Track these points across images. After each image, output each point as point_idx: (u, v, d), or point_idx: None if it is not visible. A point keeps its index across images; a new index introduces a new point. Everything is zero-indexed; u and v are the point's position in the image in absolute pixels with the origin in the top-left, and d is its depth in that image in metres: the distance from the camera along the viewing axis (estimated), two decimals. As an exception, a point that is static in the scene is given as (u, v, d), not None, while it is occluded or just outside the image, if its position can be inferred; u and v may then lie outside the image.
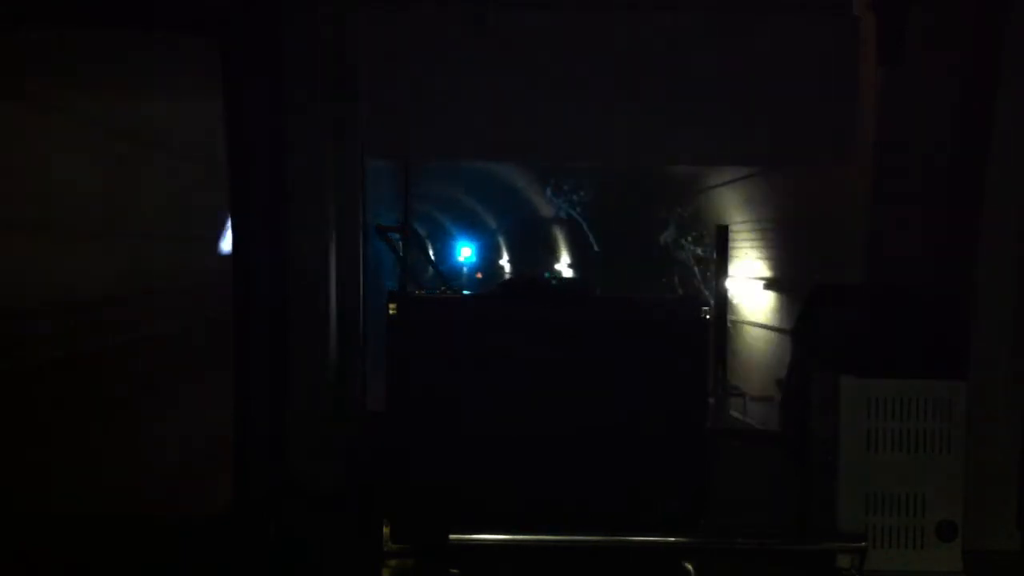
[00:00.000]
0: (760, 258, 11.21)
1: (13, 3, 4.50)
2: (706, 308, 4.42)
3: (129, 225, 8.21)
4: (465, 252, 25.20)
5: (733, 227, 11.90)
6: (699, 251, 14.87)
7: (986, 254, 4.35)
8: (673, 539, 4.08)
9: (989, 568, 4.23)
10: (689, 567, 4.15)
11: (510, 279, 5.01)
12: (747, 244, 11.57)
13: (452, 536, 3.96)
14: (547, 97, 5.18)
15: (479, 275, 24.81)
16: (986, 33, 4.38)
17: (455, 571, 3.99)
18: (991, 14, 4.36)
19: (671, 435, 4.25)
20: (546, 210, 20.46)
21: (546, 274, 21.04)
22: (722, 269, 7.83)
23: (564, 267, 21.10)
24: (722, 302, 7.51)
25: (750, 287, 11.32)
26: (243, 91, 4.46)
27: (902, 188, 4.93)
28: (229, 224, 4.51)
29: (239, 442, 4.47)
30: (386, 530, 4.17)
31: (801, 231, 10.01)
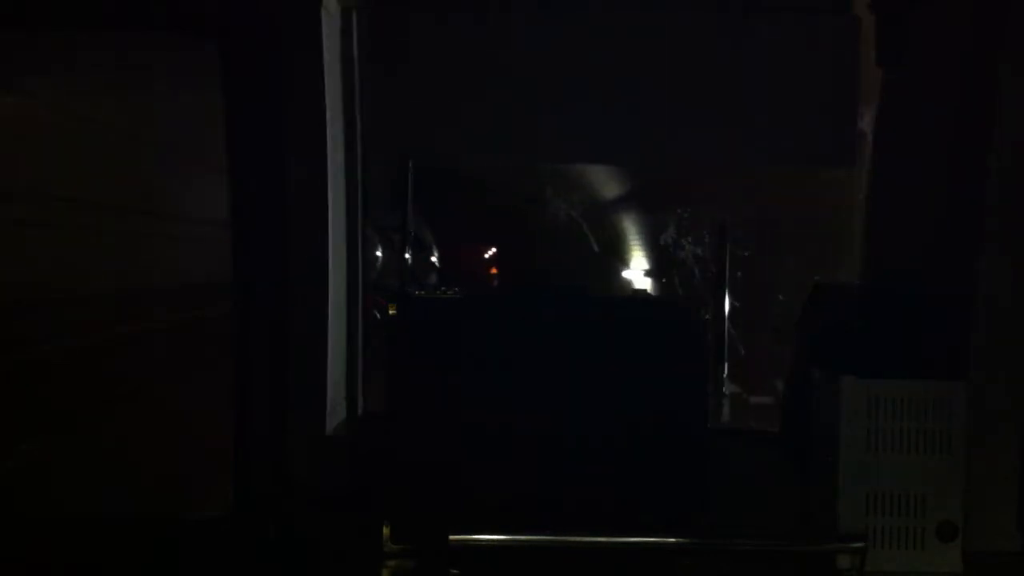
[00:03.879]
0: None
1: (12, 3, 4.50)
2: (705, 308, 4.43)
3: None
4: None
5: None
6: (699, 251, 14.88)
7: (986, 254, 4.35)
8: (673, 539, 4.08)
9: (989, 569, 4.23)
10: (689, 567, 4.15)
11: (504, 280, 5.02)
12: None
13: (452, 537, 3.96)
14: (548, 97, 5.18)
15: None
16: (986, 33, 4.38)
17: (455, 572, 3.99)
18: (991, 14, 4.36)
19: (671, 435, 4.25)
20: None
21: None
22: (723, 269, 7.82)
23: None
24: (722, 302, 7.51)
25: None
26: (243, 91, 4.46)
27: (902, 188, 4.93)
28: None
29: (239, 442, 4.47)
30: (386, 530, 4.17)
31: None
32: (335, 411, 4.88)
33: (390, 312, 4.28)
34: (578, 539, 4.05)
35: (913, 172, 4.82)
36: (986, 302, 4.36)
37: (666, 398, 4.25)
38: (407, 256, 5.37)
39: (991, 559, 4.26)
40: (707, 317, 4.43)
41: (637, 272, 16.75)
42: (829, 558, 4.14)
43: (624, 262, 16.97)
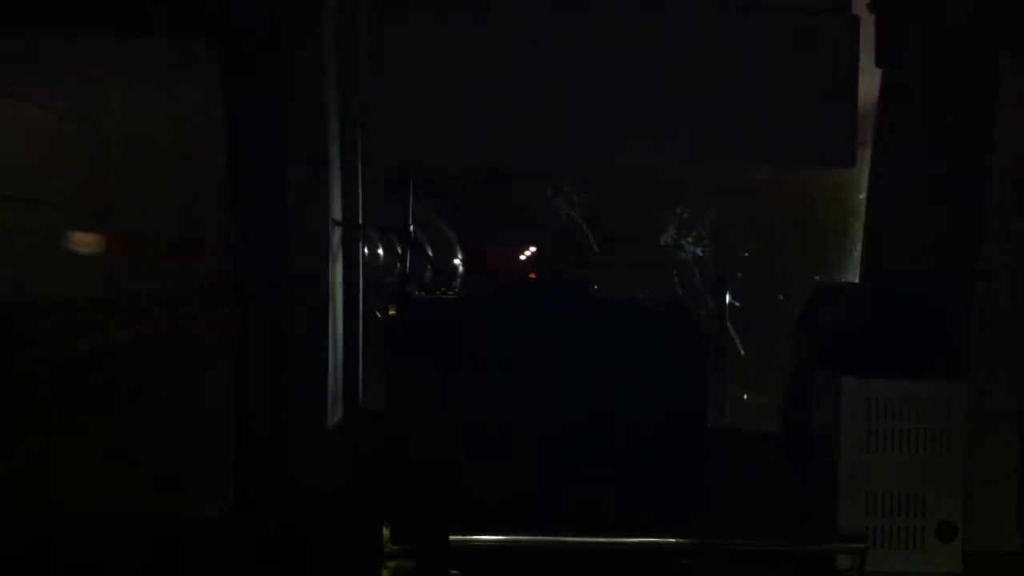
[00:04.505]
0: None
1: (13, 4, 4.50)
2: (705, 309, 4.44)
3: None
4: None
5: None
6: (699, 252, 14.86)
7: (986, 254, 4.35)
8: (673, 539, 4.08)
9: (989, 569, 4.23)
10: (689, 567, 4.15)
11: (510, 281, 5.03)
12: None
13: (452, 537, 3.96)
14: (547, 98, 5.17)
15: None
16: (986, 33, 4.38)
17: (455, 572, 3.99)
18: (991, 14, 4.36)
19: (671, 435, 4.25)
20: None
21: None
22: (722, 269, 7.82)
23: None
24: (722, 302, 7.51)
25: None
26: (243, 91, 4.46)
27: (902, 188, 4.93)
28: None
29: (239, 442, 4.48)
30: (386, 531, 4.17)
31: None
32: (335, 410, 4.89)
33: (390, 312, 4.28)
34: (578, 539, 4.05)
35: (913, 172, 4.83)
36: (986, 302, 4.36)
37: (666, 398, 4.25)
38: (428, 258, 5.38)
39: (991, 559, 4.26)
40: (707, 317, 4.43)
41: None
42: (829, 558, 4.14)
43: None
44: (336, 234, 4.90)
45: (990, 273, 4.36)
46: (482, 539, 4.01)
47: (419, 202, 5.21)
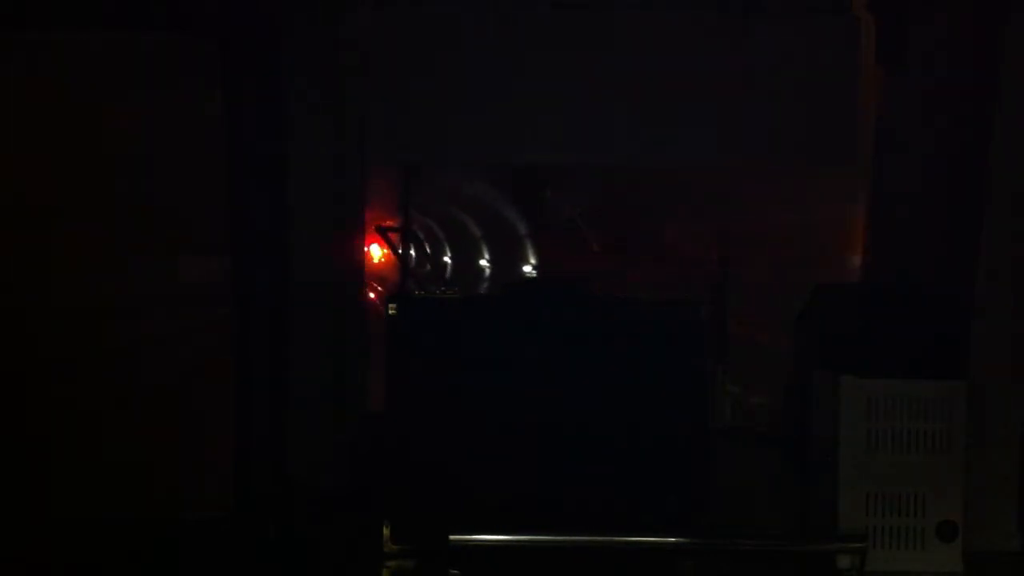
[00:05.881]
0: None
1: (13, 4, 4.51)
2: (705, 308, 4.44)
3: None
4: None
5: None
6: (699, 251, 14.80)
7: (986, 254, 4.36)
8: (673, 539, 4.08)
9: (989, 568, 4.23)
10: (689, 567, 4.15)
11: (510, 281, 5.04)
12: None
13: (452, 537, 3.96)
14: (548, 97, 5.18)
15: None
16: (986, 34, 4.38)
17: (455, 572, 3.99)
18: (990, 15, 4.36)
19: (671, 435, 4.25)
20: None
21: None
22: (723, 269, 7.82)
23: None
24: (723, 303, 7.51)
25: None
26: (243, 91, 4.47)
27: (902, 188, 4.93)
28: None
29: (239, 442, 4.48)
30: (386, 531, 4.18)
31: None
32: (336, 411, 4.89)
33: (390, 312, 4.28)
34: (578, 539, 4.05)
35: (913, 172, 4.83)
36: (986, 302, 4.36)
37: (666, 398, 4.25)
38: (427, 257, 5.36)
39: (991, 559, 4.26)
40: (707, 317, 4.43)
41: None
42: (829, 558, 4.14)
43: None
44: (336, 234, 4.90)
45: (990, 273, 4.36)
46: (482, 539, 4.01)
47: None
